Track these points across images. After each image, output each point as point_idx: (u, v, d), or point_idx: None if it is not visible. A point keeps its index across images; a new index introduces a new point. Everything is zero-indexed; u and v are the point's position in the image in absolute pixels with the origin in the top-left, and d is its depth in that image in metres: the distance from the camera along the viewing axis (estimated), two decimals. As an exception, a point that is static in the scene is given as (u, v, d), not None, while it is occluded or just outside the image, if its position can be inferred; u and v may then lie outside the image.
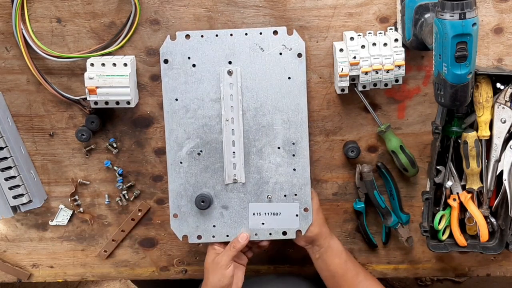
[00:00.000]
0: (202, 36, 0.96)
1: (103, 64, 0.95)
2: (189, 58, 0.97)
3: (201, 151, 1.00)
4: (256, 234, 1.01)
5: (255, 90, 0.97)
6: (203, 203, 0.99)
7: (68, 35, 0.98)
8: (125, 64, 0.95)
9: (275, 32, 0.96)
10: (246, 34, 0.96)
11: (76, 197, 1.09)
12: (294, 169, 1.00)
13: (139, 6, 0.96)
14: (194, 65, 0.97)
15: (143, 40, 0.99)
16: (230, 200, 1.01)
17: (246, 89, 0.97)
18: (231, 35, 0.96)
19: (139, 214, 1.09)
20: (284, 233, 1.01)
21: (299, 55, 0.96)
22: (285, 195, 1.00)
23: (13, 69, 1.01)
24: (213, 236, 1.01)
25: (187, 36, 0.96)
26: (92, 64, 0.95)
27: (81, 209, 1.09)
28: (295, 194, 0.99)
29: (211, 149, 0.99)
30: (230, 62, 0.97)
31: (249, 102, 0.98)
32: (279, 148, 0.99)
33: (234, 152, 0.99)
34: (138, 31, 0.98)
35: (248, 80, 0.97)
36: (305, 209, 1.00)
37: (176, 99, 0.98)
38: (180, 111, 0.99)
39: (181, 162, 1.00)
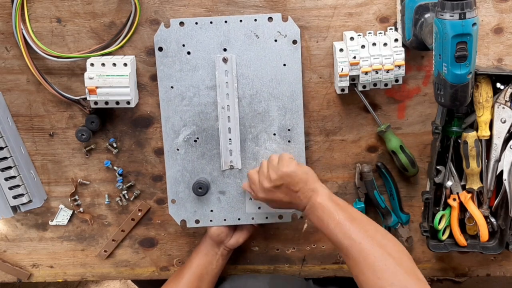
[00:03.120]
0: (196, 23, 0.96)
1: (103, 64, 0.95)
2: (183, 45, 0.97)
3: (197, 138, 1.01)
4: (252, 218, 1.04)
5: (251, 77, 0.98)
6: (201, 189, 1.00)
7: (68, 35, 0.98)
8: (125, 64, 0.95)
9: (270, 19, 0.96)
10: (240, 21, 0.96)
11: (76, 197, 1.09)
12: None
13: (139, 6, 0.96)
14: (189, 53, 0.97)
15: (143, 40, 0.99)
16: (227, 186, 1.02)
17: (241, 76, 0.98)
18: (226, 22, 0.96)
19: (139, 214, 1.09)
20: (280, 216, 1.03)
21: (294, 41, 0.97)
22: None
23: (13, 69, 1.01)
24: (211, 221, 1.04)
25: (181, 23, 0.96)
26: (92, 64, 0.95)
27: (81, 209, 1.09)
28: None
29: (208, 136, 1.00)
30: (225, 49, 0.97)
31: (244, 89, 0.98)
32: (274, 134, 1.00)
33: (230, 139, 1.00)
34: (138, 31, 0.98)
35: (243, 67, 0.98)
36: None
37: (172, 87, 0.99)
38: (176, 98, 0.99)
39: (177, 149, 1.01)
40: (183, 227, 1.10)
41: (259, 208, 1.03)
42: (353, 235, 0.83)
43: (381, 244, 0.82)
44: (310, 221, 0.93)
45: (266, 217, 1.03)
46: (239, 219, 1.04)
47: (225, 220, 1.04)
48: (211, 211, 1.04)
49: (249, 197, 1.03)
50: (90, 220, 1.10)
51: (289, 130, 1.00)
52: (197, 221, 1.04)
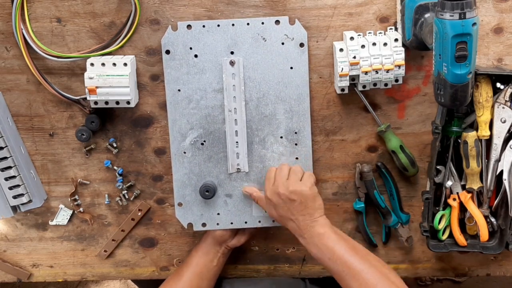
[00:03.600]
0: (203, 26, 0.96)
1: (103, 64, 0.95)
2: (191, 48, 0.97)
3: (204, 141, 1.01)
4: (259, 221, 1.04)
5: (258, 80, 0.98)
6: (208, 192, 1.00)
7: (68, 35, 0.98)
8: (125, 64, 0.95)
9: (277, 22, 0.96)
10: (248, 24, 0.96)
11: (76, 197, 1.09)
12: (297, 158, 1.01)
13: (139, 6, 0.96)
14: (196, 56, 0.97)
15: (143, 40, 0.99)
16: (234, 189, 1.03)
17: (248, 79, 0.98)
18: (233, 25, 0.96)
19: (139, 214, 1.09)
20: None
21: (301, 44, 0.97)
22: None
23: (13, 69, 1.01)
24: (218, 224, 1.04)
25: (189, 26, 0.96)
26: (92, 64, 0.95)
27: (81, 209, 1.09)
28: None
29: (214, 139, 1.01)
30: (232, 53, 0.97)
31: (251, 92, 0.98)
32: (281, 137, 1.00)
33: (237, 142, 1.00)
34: (138, 31, 0.98)
35: (250, 70, 0.98)
36: None
37: (179, 90, 0.99)
38: (183, 101, 0.99)
39: (184, 152, 1.01)
40: (184, 228, 1.10)
41: (266, 211, 1.02)
42: (356, 265, 0.86)
43: (384, 273, 0.86)
44: (307, 250, 0.93)
45: (273, 221, 1.03)
46: (245, 222, 1.04)
47: (231, 223, 1.04)
48: (218, 214, 1.04)
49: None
50: (90, 220, 1.10)
51: (296, 133, 1.00)
52: (203, 225, 1.04)
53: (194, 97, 0.99)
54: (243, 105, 0.99)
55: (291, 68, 0.97)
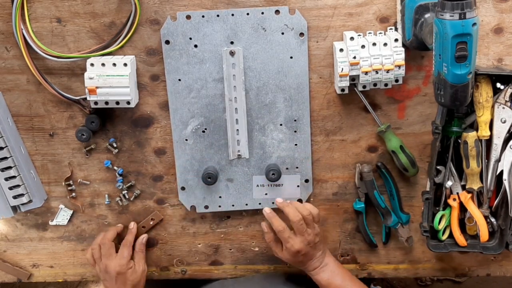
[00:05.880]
0: (203, 16, 0.96)
1: (103, 64, 0.95)
2: (190, 38, 0.97)
3: (205, 128, 1.02)
4: (259, 203, 1.07)
5: (258, 69, 0.99)
6: (210, 179, 1.02)
7: (68, 35, 0.98)
8: (125, 64, 0.95)
9: (277, 12, 0.96)
10: (247, 14, 0.96)
11: (71, 182, 1.08)
12: (296, 144, 1.03)
13: (139, 6, 0.96)
14: (195, 46, 0.97)
15: (143, 40, 0.99)
16: (235, 174, 1.05)
17: (248, 69, 0.98)
18: (233, 15, 0.96)
19: (151, 223, 1.09)
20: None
21: (301, 34, 0.97)
22: (287, 168, 1.04)
23: (13, 69, 1.01)
24: (220, 206, 1.07)
25: (188, 16, 0.96)
26: (92, 64, 0.95)
27: (73, 194, 1.08)
28: (297, 167, 1.04)
29: (216, 127, 1.02)
30: (232, 43, 0.97)
31: (251, 82, 0.99)
32: (281, 125, 1.02)
33: (237, 130, 1.01)
34: (138, 31, 0.98)
35: (250, 60, 0.98)
36: (306, 180, 1.05)
37: (179, 80, 0.99)
38: (184, 91, 1.00)
39: (186, 140, 1.03)
40: (184, 228, 1.10)
41: (266, 194, 1.06)
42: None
43: None
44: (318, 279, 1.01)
45: (273, 203, 1.05)
46: (246, 204, 1.07)
47: (233, 205, 1.06)
48: (220, 197, 1.06)
49: (256, 184, 1.05)
50: (81, 207, 1.09)
51: (295, 120, 1.01)
52: (206, 207, 1.07)
53: (194, 87, 1.00)
54: (243, 94, 0.99)
55: (291, 57, 0.98)
